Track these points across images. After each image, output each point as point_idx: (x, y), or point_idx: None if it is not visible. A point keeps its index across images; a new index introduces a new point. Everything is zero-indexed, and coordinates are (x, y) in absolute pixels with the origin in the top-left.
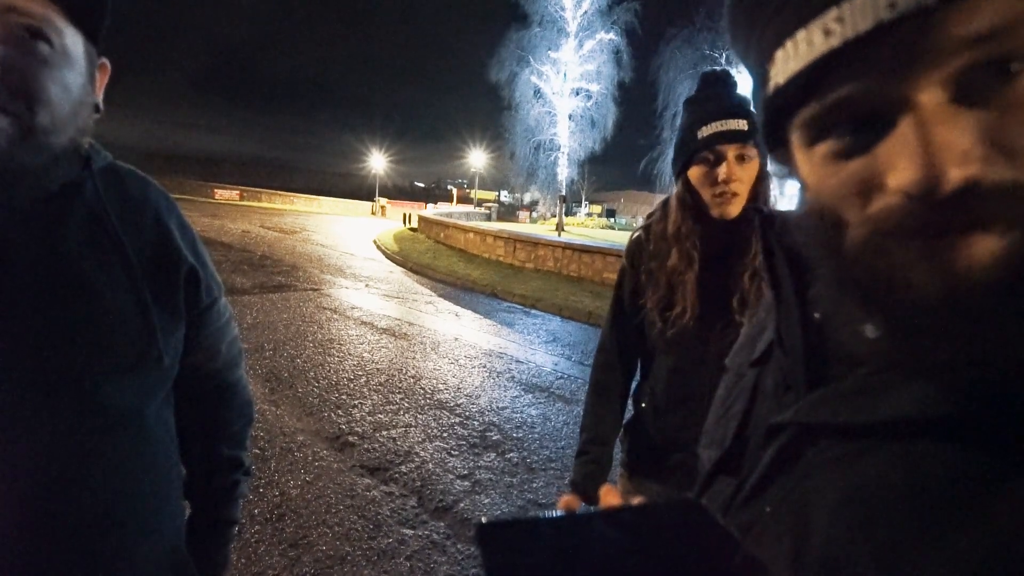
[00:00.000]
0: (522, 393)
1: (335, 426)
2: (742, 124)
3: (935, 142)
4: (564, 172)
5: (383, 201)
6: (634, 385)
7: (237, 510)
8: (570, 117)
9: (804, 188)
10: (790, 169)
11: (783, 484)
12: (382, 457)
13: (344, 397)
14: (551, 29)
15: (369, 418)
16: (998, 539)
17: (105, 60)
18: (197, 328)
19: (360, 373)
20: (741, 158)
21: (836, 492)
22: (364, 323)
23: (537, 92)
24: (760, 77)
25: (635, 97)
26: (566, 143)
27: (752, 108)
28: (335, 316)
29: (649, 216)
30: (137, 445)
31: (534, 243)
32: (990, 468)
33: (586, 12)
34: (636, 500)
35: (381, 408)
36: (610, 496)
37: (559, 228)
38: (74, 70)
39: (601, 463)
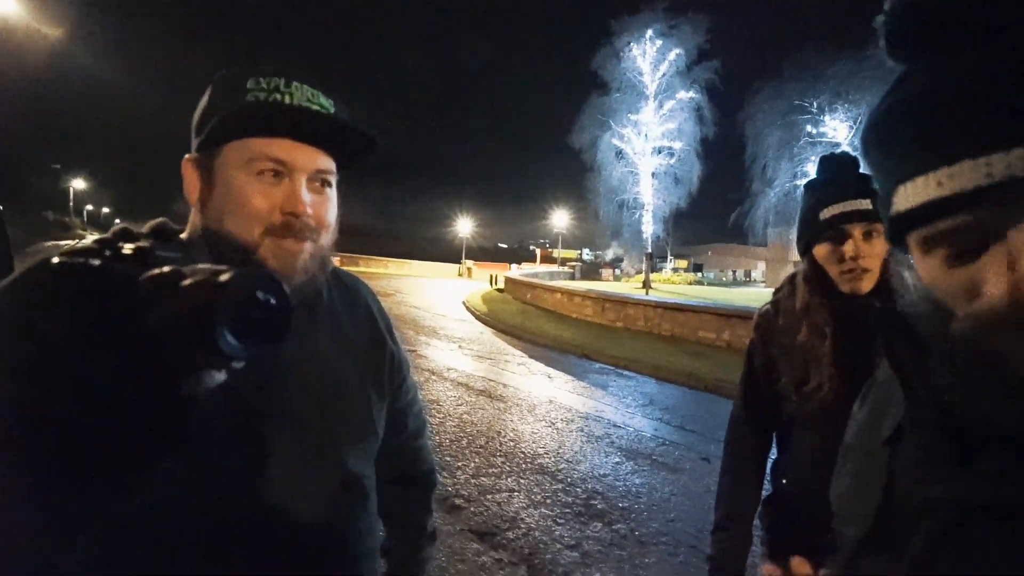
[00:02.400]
0: (624, 460)
1: (442, 487)
2: (866, 204)
3: (1018, 266)
4: (649, 229)
5: (470, 263)
6: (770, 460)
7: (422, 571)
8: (653, 175)
9: (920, 280)
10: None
11: (946, 562)
12: (489, 521)
13: (448, 459)
14: (630, 93)
15: (473, 481)
16: None
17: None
18: (392, 402)
19: (461, 435)
20: (869, 235)
21: (1006, 569)
22: (461, 384)
23: (619, 153)
24: (885, 193)
25: (721, 150)
26: (650, 200)
27: (876, 187)
28: (433, 377)
29: (776, 291)
30: (363, 504)
31: (623, 302)
32: None
33: (664, 75)
34: None
35: (484, 471)
36: (804, 568)
37: (646, 286)
38: (335, 199)
39: (742, 539)
